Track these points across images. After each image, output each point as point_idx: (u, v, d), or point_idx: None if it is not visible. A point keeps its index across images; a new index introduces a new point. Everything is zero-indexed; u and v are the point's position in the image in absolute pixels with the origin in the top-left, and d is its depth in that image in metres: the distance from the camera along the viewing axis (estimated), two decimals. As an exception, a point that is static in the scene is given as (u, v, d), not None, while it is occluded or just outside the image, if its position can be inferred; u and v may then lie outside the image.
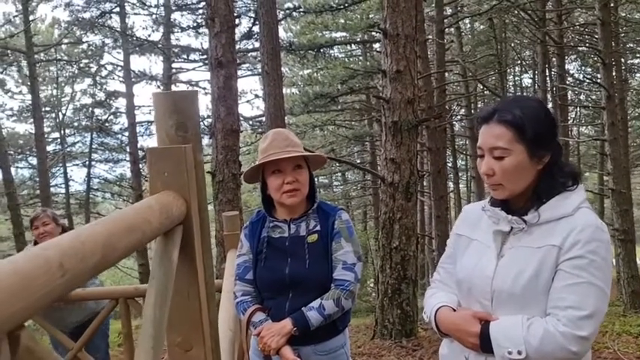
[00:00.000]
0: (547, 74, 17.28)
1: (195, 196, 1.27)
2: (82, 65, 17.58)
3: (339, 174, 23.35)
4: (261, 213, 2.10)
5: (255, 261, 2.00)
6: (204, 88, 16.48)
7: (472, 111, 19.01)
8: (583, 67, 23.00)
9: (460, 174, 24.98)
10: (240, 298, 1.99)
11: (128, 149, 16.21)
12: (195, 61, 15.38)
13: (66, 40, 16.75)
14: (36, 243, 3.58)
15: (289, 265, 1.95)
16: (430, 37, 13.00)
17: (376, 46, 19.15)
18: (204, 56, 15.17)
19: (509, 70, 22.10)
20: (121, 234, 0.92)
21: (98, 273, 0.89)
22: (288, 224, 2.01)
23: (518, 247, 1.36)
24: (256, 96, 17.00)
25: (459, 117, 20.29)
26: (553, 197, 1.36)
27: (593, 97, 23.02)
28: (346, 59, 18.54)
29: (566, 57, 18.26)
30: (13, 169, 15.95)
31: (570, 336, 1.25)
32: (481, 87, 19.89)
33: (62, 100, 19.17)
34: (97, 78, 17.49)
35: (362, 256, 2.04)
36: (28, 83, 15.41)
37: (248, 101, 17.59)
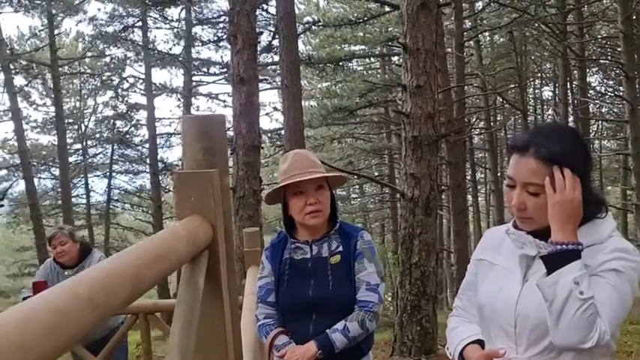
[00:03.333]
0: (568, 87, 17.12)
1: (222, 220, 1.26)
2: (104, 78, 17.87)
3: (357, 187, 23.32)
4: (282, 234, 2.09)
5: (277, 283, 1.99)
6: (224, 101, 16.67)
7: (492, 124, 18.89)
8: (605, 80, 22.73)
9: (479, 187, 24.78)
10: (263, 321, 1.97)
11: (148, 161, 16.38)
12: (215, 74, 15.56)
13: (89, 54, 17.07)
14: (55, 260, 3.62)
15: (312, 287, 1.93)
16: (449, 50, 12.96)
17: (395, 59, 19.20)
18: (225, 69, 15.34)
19: (529, 83, 21.92)
20: (150, 264, 0.91)
21: (128, 305, 0.88)
22: (310, 245, 2.00)
23: (543, 270, 1.33)
24: (275, 109, 17.12)
25: (477, 130, 20.13)
26: (583, 225, 1.33)
27: (615, 110, 22.74)
28: (365, 72, 18.58)
29: (587, 70, 18.07)
30: (35, 180, 16.23)
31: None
32: (500, 100, 19.77)
33: (85, 112, 19.49)
34: (119, 90, 17.77)
35: (384, 276, 2.02)
36: (52, 95, 15.71)
37: (267, 114, 17.69)
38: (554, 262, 1.24)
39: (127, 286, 0.84)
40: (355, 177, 18.46)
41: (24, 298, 3.36)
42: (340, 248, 1.97)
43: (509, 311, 1.34)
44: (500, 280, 1.40)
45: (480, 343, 1.45)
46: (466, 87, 14.12)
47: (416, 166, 6.19)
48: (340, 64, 14.01)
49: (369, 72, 18.78)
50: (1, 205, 12.89)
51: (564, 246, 1.24)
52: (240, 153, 3.91)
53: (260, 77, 14.08)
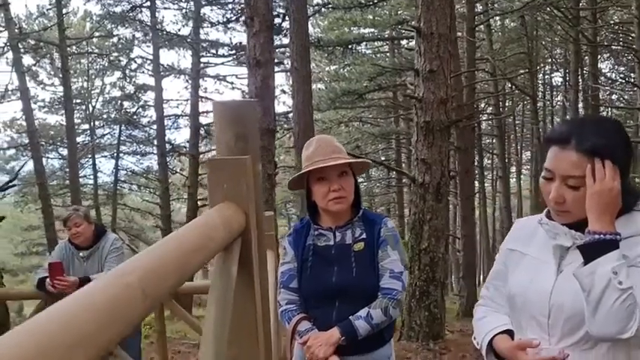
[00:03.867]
0: (579, 73, 16.93)
1: (254, 208, 1.25)
2: (112, 58, 17.80)
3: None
4: (304, 220, 2.08)
5: (300, 269, 1.98)
6: (232, 83, 16.60)
7: (500, 109, 18.74)
8: (616, 67, 22.47)
9: (485, 173, 24.68)
10: (285, 307, 1.97)
11: (155, 142, 16.37)
12: (223, 55, 15.45)
13: (97, 34, 16.98)
14: (70, 241, 3.63)
15: (336, 273, 1.93)
16: (460, 34, 12.81)
17: (404, 42, 19.01)
18: (233, 51, 15.24)
19: (539, 69, 21.68)
20: (192, 254, 0.90)
21: (172, 294, 0.87)
22: (333, 232, 1.99)
23: (578, 261, 1.31)
24: (283, 92, 17.02)
25: (485, 116, 19.98)
26: (621, 216, 1.31)
27: (626, 97, 22.51)
28: (373, 56, 18.41)
29: (598, 56, 17.84)
30: (43, 160, 16.27)
31: None
32: (509, 85, 19.58)
33: (92, 92, 19.46)
34: (127, 71, 17.69)
35: (407, 264, 2.00)
36: (60, 75, 15.67)
37: (275, 97, 17.57)
38: (592, 251, 1.22)
39: (172, 276, 0.83)
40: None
41: (40, 279, 3.38)
42: (364, 235, 1.96)
43: (543, 302, 1.33)
44: (533, 271, 1.39)
45: (509, 333, 1.44)
46: (476, 72, 13.98)
47: (427, 151, 6.16)
48: (349, 47, 13.87)
49: (378, 55, 18.62)
50: (13, 185, 12.93)
51: (602, 236, 1.22)
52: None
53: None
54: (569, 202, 1.28)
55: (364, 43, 16.48)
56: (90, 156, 18.95)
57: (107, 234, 3.69)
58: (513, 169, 24.49)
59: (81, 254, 3.58)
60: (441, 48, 6.11)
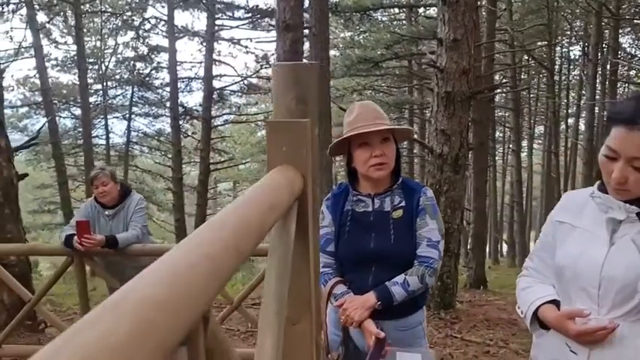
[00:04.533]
0: (599, 47, 16.61)
1: (311, 172, 1.26)
2: (125, 18, 17.61)
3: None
4: (343, 185, 2.09)
5: (337, 234, 2.00)
6: (246, 47, 16.43)
7: (517, 82, 18.47)
8: (636, 42, 22.00)
9: (497, 146, 24.51)
10: (322, 270, 1.99)
11: (168, 105, 16.34)
12: (239, 18, 15.25)
13: (111, -8, 16.79)
14: (96, 199, 3.67)
15: (373, 239, 1.94)
16: (479, 3, 12.52)
17: (421, 10, 18.64)
18: (249, 14, 15.03)
19: (556, 42, 21.26)
20: (268, 213, 0.91)
21: (252, 253, 0.88)
22: (372, 199, 1.99)
23: (632, 234, 1.32)
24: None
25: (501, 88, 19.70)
26: None
27: (645, 73, 22.10)
28: (389, 23, 18.10)
29: (620, 29, 17.46)
30: (56, 119, 16.30)
31: None
32: (526, 57, 19.26)
33: (105, 52, 19.34)
34: (140, 31, 17.53)
35: (444, 234, 2.02)
36: (74, 34, 15.56)
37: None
38: None
39: (255, 235, 0.84)
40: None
41: (67, 236, 3.43)
42: (403, 203, 1.97)
43: (594, 273, 1.34)
44: (583, 243, 1.39)
45: (556, 303, 1.45)
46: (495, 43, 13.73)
47: (447, 122, 6.11)
48: (367, 13, 13.63)
49: (395, 23, 18.30)
50: (36, 144, 13.00)
51: None
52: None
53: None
54: (631, 182, 1.28)
55: (380, 10, 16.18)
56: (102, 116, 18.94)
57: (132, 194, 3.73)
58: (524, 142, 24.30)
59: (106, 213, 3.63)
60: (466, 16, 6.00)
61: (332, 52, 17.98)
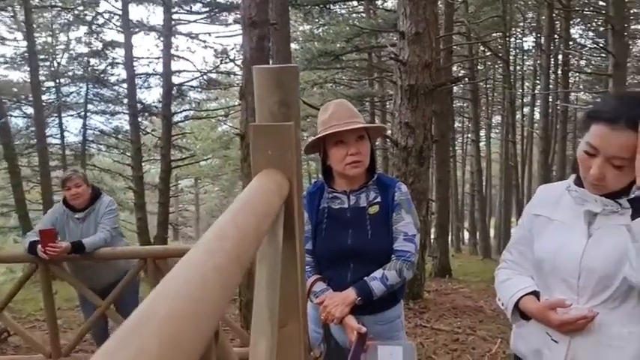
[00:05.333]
0: (551, 38, 17.09)
1: (296, 174, 1.26)
2: (77, 12, 17.03)
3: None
4: (318, 183, 2.10)
5: (314, 231, 2.01)
6: (204, 41, 16.17)
7: (475, 73, 18.84)
8: (586, 32, 22.74)
9: (457, 136, 24.99)
10: None
11: (125, 101, 15.95)
12: (197, 12, 14.98)
13: (61, -14, 16.21)
14: (65, 202, 3.57)
15: (351, 235, 1.96)
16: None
17: (379, 2, 18.74)
18: (207, 8, 14.79)
19: (511, 33, 21.77)
20: (262, 220, 0.91)
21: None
22: (347, 195, 2.01)
23: (608, 225, 1.37)
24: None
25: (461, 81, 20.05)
26: None
27: (594, 62, 22.90)
28: (348, 16, 18.13)
29: (570, 21, 18.02)
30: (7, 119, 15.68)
31: None
32: (482, 49, 19.66)
33: (56, 48, 18.69)
34: (94, 26, 16.99)
35: (420, 228, 2.05)
36: (24, 30, 14.97)
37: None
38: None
39: (254, 244, 0.84)
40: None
41: (31, 243, 3.33)
42: (378, 199, 1.99)
43: (574, 264, 1.38)
44: (562, 236, 1.44)
45: (535, 294, 1.50)
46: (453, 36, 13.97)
47: (411, 115, 6.20)
48: (327, 6, 13.62)
49: (353, 16, 18.35)
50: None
51: None
52: (250, 99, 3.82)
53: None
54: (609, 179, 1.32)
55: (338, 3, 16.18)
56: (56, 115, 18.31)
57: (102, 196, 3.65)
58: (482, 132, 24.85)
59: (76, 216, 3.54)
60: (427, 10, 6.08)
61: (292, 46, 17.93)
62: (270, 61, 9.59)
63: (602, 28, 18.91)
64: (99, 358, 0.40)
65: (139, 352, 0.42)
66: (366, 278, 1.91)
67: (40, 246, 3.25)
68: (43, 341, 3.96)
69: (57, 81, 18.48)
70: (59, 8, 17.35)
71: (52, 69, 18.68)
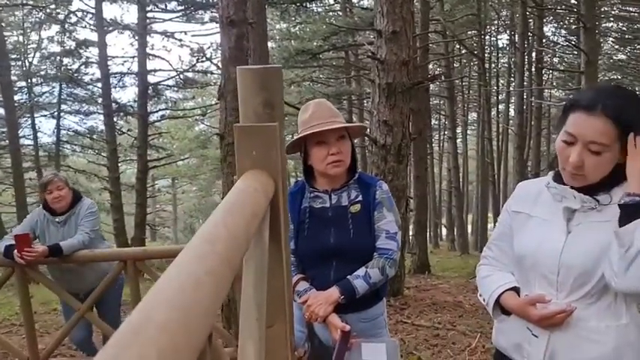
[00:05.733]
0: (525, 36, 17.35)
1: (281, 175, 1.26)
2: (49, 11, 16.71)
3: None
4: (299, 183, 2.10)
5: (296, 231, 2.01)
6: (180, 40, 16.01)
7: (451, 71, 19.03)
8: (559, 30, 23.14)
9: (433, 134, 25.20)
10: None
11: (101, 101, 15.70)
12: (172, 10, 14.80)
13: (32, -16, 15.88)
14: (46, 206, 3.51)
15: (333, 234, 1.97)
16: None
17: (355, 0, 18.82)
18: (182, 6, 14.64)
19: (486, 31, 22.05)
20: (251, 221, 0.91)
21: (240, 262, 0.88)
22: (329, 195, 2.02)
23: (586, 222, 1.40)
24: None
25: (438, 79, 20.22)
26: (624, 182, 1.39)
27: (566, 60, 23.32)
28: (325, 15, 18.15)
29: (544, 19, 18.32)
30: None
31: None
32: (458, 47, 19.86)
33: (28, 47, 18.32)
34: (66, 25, 16.69)
35: (401, 225, 2.08)
36: (-7, 29, 14.63)
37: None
38: (632, 211, 1.29)
39: (244, 244, 0.84)
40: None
41: (6, 246, 3.26)
42: (360, 198, 2.01)
43: (553, 261, 1.41)
44: (541, 232, 1.47)
45: (515, 290, 1.53)
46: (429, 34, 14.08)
47: (389, 113, 6.24)
48: (303, 4, 13.62)
49: (330, 14, 18.38)
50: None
51: None
52: (229, 98, 3.80)
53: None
54: (588, 166, 1.35)
55: (317, 1, 16.20)
56: (28, 115, 17.97)
57: (83, 199, 3.60)
58: (459, 129, 25.13)
59: (57, 220, 3.48)
60: (404, 8, 6.13)
61: (269, 44, 17.86)
62: (248, 60, 9.55)
63: (574, 26, 19.29)
64: None
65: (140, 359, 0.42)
66: (349, 277, 1.92)
67: (15, 251, 3.20)
68: (20, 346, 3.88)
69: (29, 81, 18.13)
70: (30, 7, 16.99)
71: (24, 68, 18.34)
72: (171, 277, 0.60)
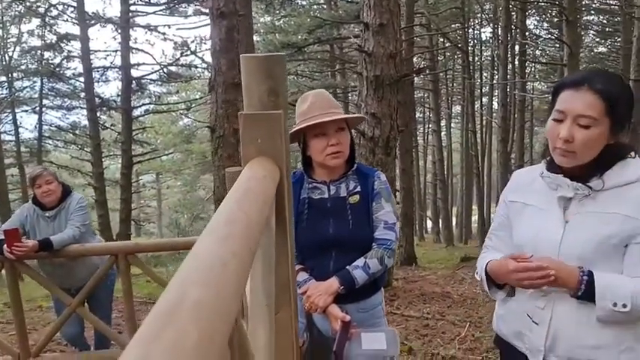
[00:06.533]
0: (509, 29, 17.49)
1: (285, 162, 1.26)
2: (29, 4, 16.42)
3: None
4: (297, 174, 2.10)
5: (295, 222, 2.01)
6: (164, 34, 15.87)
7: (435, 64, 19.10)
8: (541, 23, 23.35)
9: (418, 126, 25.33)
10: None
11: (83, 95, 15.50)
12: (155, 4, 14.65)
13: (11, -24, 15.59)
14: (35, 201, 3.46)
15: (332, 225, 1.98)
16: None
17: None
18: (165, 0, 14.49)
19: (469, 24, 22.17)
20: (263, 209, 0.92)
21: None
22: (327, 185, 2.03)
23: (584, 212, 1.42)
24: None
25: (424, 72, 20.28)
26: (614, 165, 1.42)
27: (548, 52, 23.56)
28: (309, 7, 18.08)
29: (526, 12, 18.46)
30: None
31: None
32: (441, 40, 19.95)
33: (8, 41, 18.00)
34: (47, 18, 16.42)
35: (399, 216, 2.09)
36: (-28, 22, 14.35)
37: (209, 50, 17.03)
38: (587, 298, 1.39)
39: (259, 229, 0.84)
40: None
41: (-4, 240, 3.22)
42: (358, 188, 2.01)
43: (553, 250, 1.43)
44: (538, 221, 1.49)
45: None
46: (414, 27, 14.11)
47: (377, 105, 6.25)
48: (288, -3, 13.57)
49: (315, 7, 18.32)
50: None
51: (582, 287, 1.39)
52: (220, 90, 3.77)
53: (203, 10, 13.43)
54: (577, 142, 1.37)
55: (301, -6, 16.15)
56: (9, 110, 17.67)
57: (73, 193, 3.56)
58: (443, 122, 25.29)
59: (47, 214, 3.44)
60: (391, 1, 6.14)
61: (254, 38, 17.75)
62: (238, 52, 9.49)
63: (556, 19, 19.49)
64: (135, 348, 0.39)
65: (182, 336, 0.42)
66: (348, 267, 1.93)
67: (5, 246, 3.16)
68: (9, 342, 3.84)
69: (9, 75, 17.81)
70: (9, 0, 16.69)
71: (4, 63, 18.00)
72: (198, 258, 0.60)
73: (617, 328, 1.39)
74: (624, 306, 1.33)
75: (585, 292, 1.37)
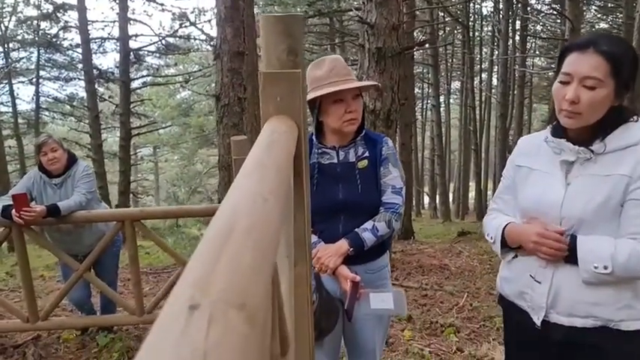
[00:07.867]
0: (510, 3, 17.32)
1: (303, 121, 1.29)
2: (24, -27, 16.17)
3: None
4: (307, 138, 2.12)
5: None
6: (162, 5, 15.67)
7: (435, 39, 18.95)
8: (543, -2, 23.08)
9: (417, 101, 25.22)
10: None
11: (81, 67, 15.38)
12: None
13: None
14: (41, 167, 3.48)
15: (342, 190, 2.02)
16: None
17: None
18: (165, -31, 14.26)
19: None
20: (289, 159, 0.95)
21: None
22: (336, 151, 2.06)
23: (585, 175, 1.46)
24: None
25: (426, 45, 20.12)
26: (617, 128, 1.46)
27: (549, 27, 23.37)
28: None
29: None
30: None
31: None
32: (441, 14, 19.75)
33: (3, 11, 17.74)
34: (43, -12, 16.18)
35: (405, 180, 2.13)
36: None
37: (209, 21, 16.84)
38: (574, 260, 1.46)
39: (287, 177, 0.88)
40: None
41: (4, 207, 3.25)
42: (367, 154, 2.05)
43: (555, 212, 1.48)
44: (542, 184, 1.53)
45: None
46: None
47: (379, 78, 6.23)
48: (288, -32, 13.37)
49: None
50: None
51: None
52: (225, 59, 3.76)
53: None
54: (583, 103, 1.40)
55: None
56: (6, 81, 17.53)
57: (78, 161, 3.59)
58: (442, 98, 25.23)
59: (54, 182, 3.47)
60: (394, -28, 6.07)
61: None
62: (243, 21, 9.41)
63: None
64: (193, 268, 0.41)
65: (238, 254, 0.45)
66: (357, 230, 1.97)
67: (14, 211, 3.19)
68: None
69: (5, 46, 17.62)
70: (4, -32, 16.41)
71: (0, 33, 17.78)
72: (238, 194, 0.63)
73: (616, 286, 1.44)
74: (605, 267, 1.38)
75: (570, 256, 1.43)
